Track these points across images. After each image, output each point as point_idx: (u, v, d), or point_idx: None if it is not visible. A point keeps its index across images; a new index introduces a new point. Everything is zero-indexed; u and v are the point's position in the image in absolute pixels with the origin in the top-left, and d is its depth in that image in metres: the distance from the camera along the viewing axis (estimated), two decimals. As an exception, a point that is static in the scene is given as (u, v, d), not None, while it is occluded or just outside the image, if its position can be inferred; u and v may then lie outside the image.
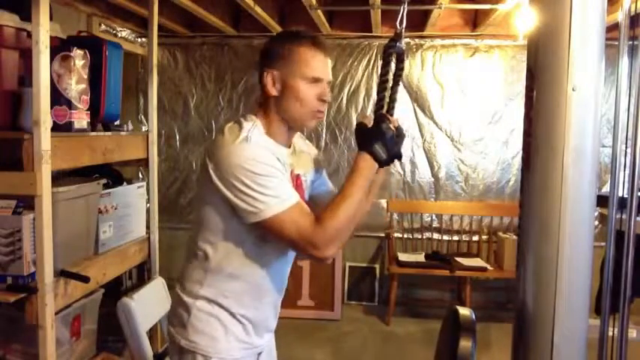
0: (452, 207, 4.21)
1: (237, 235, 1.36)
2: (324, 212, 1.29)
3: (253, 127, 1.35)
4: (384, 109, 1.42)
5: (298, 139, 1.55)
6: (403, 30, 1.40)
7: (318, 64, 1.37)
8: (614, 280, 1.33)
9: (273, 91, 1.37)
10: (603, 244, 1.33)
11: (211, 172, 1.30)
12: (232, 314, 1.40)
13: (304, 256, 1.30)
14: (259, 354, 1.50)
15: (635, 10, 1.05)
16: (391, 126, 1.36)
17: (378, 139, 1.34)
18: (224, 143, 1.31)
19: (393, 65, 1.45)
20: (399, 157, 1.39)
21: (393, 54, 1.42)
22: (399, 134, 1.39)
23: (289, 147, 1.46)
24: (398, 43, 1.41)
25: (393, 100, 1.46)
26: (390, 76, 1.43)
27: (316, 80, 1.37)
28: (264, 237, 1.36)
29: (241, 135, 1.31)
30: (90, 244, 2.23)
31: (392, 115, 1.44)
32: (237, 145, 1.29)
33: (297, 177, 1.46)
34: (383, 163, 1.36)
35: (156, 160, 2.71)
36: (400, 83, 1.52)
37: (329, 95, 1.41)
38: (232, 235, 1.36)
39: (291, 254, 1.50)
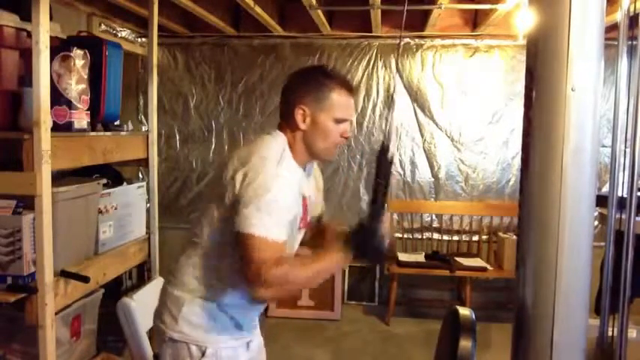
0: (452, 207, 4.20)
1: (234, 240, 1.39)
2: (284, 267, 1.36)
3: (285, 150, 1.47)
4: (380, 210, 1.47)
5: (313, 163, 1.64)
6: (391, 141, 1.51)
7: (347, 107, 1.51)
8: (614, 280, 1.33)
9: (303, 126, 1.49)
10: (603, 244, 1.33)
11: (238, 181, 1.37)
12: (223, 310, 1.47)
13: (245, 283, 1.35)
14: (248, 342, 1.58)
15: (634, 10, 1.05)
16: (383, 234, 1.44)
17: (370, 252, 1.44)
18: (262, 167, 1.39)
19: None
20: (380, 262, 1.47)
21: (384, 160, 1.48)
22: (384, 238, 1.47)
23: (304, 169, 1.56)
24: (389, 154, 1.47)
25: (385, 198, 1.51)
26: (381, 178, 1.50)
27: (343, 121, 1.50)
28: None
29: (275, 158, 1.42)
30: (90, 244, 2.24)
31: (384, 210, 1.50)
32: (273, 176, 1.37)
33: (305, 199, 1.53)
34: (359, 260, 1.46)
35: (156, 160, 2.71)
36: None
37: (351, 132, 1.56)
38: (229, 239, 1.40)
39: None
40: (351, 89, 1.52)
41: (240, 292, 1.46)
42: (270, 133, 1.52)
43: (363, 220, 1.45)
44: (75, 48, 2.02)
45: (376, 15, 3.51)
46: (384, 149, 1.46)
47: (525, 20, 2.85)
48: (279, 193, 1.36)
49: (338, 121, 1.49)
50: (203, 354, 1.45)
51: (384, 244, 1.45)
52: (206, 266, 1.47)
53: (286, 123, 1.52)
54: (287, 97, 1.53)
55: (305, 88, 1.50)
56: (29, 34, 1.82)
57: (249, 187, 1.35)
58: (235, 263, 1.39)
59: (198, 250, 1.48)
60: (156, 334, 1.57)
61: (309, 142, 1.50)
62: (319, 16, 3.49)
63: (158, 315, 1.54)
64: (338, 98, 1.49)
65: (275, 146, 1.47)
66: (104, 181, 2.30)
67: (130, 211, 2.51)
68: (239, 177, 1.38)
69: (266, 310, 3.99)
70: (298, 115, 1.48)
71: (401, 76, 4.18)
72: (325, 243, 1.58)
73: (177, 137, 4.36)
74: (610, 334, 1.31)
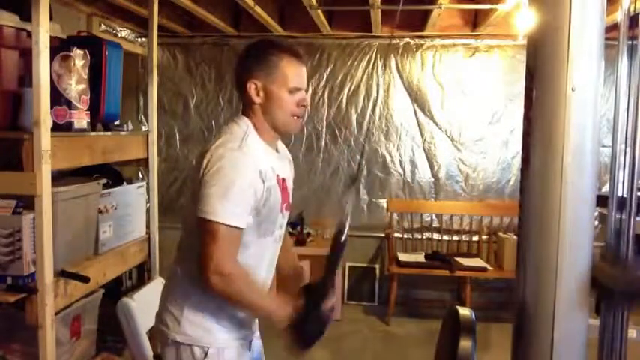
0: (452, 207, 4.20)
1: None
2: (246, 273, 1.41)
3: (248, 132, 1.46)
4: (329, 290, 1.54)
5: (280, 144, 1.64)
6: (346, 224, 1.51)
7: (298, 75, 1.49)
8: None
9: (257, 99, 1.48)
10: (603, 244, 1.33)
11: (202, 169, 1.38)
12: (222, 307, 1.46)
13: (200, 271, 1.35)
14: (250, 343, 1.58)
15: (635, 10, 1.05)
16: (326, 315, 1.50)
17: (312, 326, 1.46)
18: (223, 153, 1.39)
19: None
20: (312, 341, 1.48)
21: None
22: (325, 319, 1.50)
23: (277, 151, 1.57)
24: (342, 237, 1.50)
25: (333, 278, 1.60)
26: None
27: (297, 89, 1.49)
28: (248, 242, 1.44)
29: (237, 142, 1.41)
30: (90, 244, 2.24)
31: (333, 290, 1.58)
32: (231, 153, 1.39)
33: (283, 181, 1.53)
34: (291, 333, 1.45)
35: (156, 160, 2.71)
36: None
37: (308, 100, 1.54)
38: None
39: (276, 254, 1.60)
40: (299, 57, 1.51)
41: None
42: (233, 119, 1.52)
43: (315, 292, 1.50)
44: (75, 48, 2.02)
45: (376, 15, 3.51)
46: (339, 232, 1.48)
47: (525, 20, 2.86)
48: (240, 176, 1.36)
49: (291, 91, 1.48)
50: (206, 354, 1.45)
51: (323, 325, 1.49)
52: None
53: (244, 103, 1.52)
54: (238, 74, 1.52)
55: (254, 61, 1.49)
56: (29, 34, 1.82)
57: (210, 173, 1.36)
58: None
59: (192, 249, 1.46)
60: (158, 336, 1.56)
61: (268, 116, 1.49)
62: (319, 16, 3.50)
63: (160, 317, 1.53)
64: (288, 67, 1.47)
65: (236, 129, 1.46)
66: (104, 181, 2.30)
67: (130, 211, 2.51)
68: (203, 165, 1.38)
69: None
70: (251, 89, 1.47)
71: (401, 76, 4.19)
72: (289, 290, 1.60)
73: (177, 137, 4.37)
74: (610, 334, 1.31)
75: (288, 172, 1.61)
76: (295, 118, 1.51)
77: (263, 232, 1.48)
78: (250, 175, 1.39)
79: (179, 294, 1.49)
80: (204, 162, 1.38)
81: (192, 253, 1.44)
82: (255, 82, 1.47)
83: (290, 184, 1.60)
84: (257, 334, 1.65)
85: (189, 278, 1.47)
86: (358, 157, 4.21)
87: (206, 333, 1.46)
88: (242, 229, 1.38)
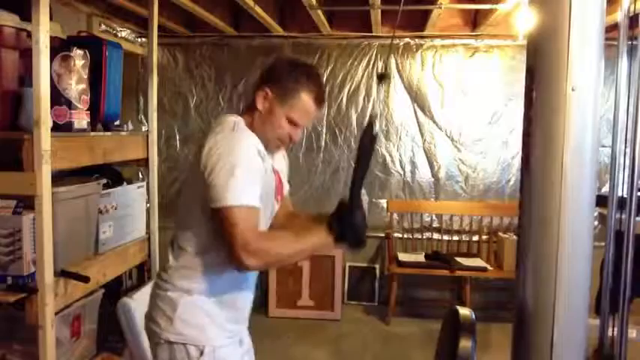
0: (452, 207, 4.20)
1: (217, 232, 1.39)
2: (271, 234, 1.41)
3: (238, 122, 1.46)
4: (359, 190, 1.49)
5: None
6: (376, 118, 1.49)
7: (306, 114, 1.49)
8: (614, 280, 1.33)
9: (260, 107, 1.49)
10: (603, 244, 1.33)
11: (202, 160, 1.37)
12: (216, 305, 1.48)
13: (231, 257, 1.34)
14: (241, 340, 1.60)
15: (634, 10, 1.05)
16: (363, 213, 1.47)
17: (353, 229, 1.45)
18: (221, 139, 1.39)
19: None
20: (361, 246, 1.49)
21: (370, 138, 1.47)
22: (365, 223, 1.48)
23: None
24: (374, 130, 1.46)
25: (363, 181, 1.52)
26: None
27: (296, 124, 1.49)
28: None
29: (228, 128, 1.42)
30: (90, 244, 2.24)
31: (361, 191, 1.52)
32: (225, 138, 1.39)
33: (277, 173, 1.55)
34: (342, 245, 1.46)
35: (156, 160, 2.71)
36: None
37: (298, 137, 1.53)
38: (213, 232, 1.41)
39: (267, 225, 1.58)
40: (321, 101, 1.51)
41: (230, 279, 1.47)
42: (221, 115, 1.53)
43: (343, 200, 1.46)
44: (75, 48, 2.02)
45: (376, 15, 3.51)
46: (369, 128, 1.43)
47: (525, 20, 2.86)
48: (240, 157, 1.35)
49: (292, 122, 1.48)
50: (201, 353, 1.44)
51: (364, 224, 1.46)
52: (195, 263, 1.46)
53: (248, 104, 1.52)
54: (262, 75, 1.52)
55: (282, 75, 1.49)
56: (29, 34, 1.82)
57: (211, 163, 1.35)
58: (221, 250, 1.38)
59: (186, 249, 1.48)
60: (148, 336, 1.55)
61: (260, 126, 1.48)
62: (319, 16, 3.49)
63: (150, 317, 1.53)
64: (303, 101, 1.47)
65: (227, 118, 1.47)
66: (104, 181, 2.29)
67: (130, 211, 2.51)
68: (203, 157, 1.38)
69: (266, 310, 3.99)
70: (260, 95, 1.48)
71: (401, 76, 4.18)
72: (303, 224, 1.59)
73: (177, 137, 4.36)
74: (610, 334, 1.31)
75: (282, 165, 1.62)
76: (280, 145, 1.52)
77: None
78: (250, 153, 1.39)
79: (171, 292, 1.48)
80: (203, 155, 1.38)
81: (186, 249, 1.47)
82: (268, 92, 1.47)
83: (284, 179, 1.60)
84: (247, 332, 1.66)
85: (182, 276, 1.47)
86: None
87: (201, 331, 1.46)
88: (256, 206, 1.36)
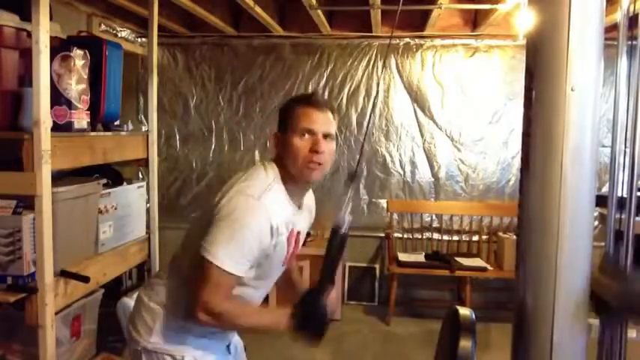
0: (452, 207, 4.20)
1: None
2: (235, 303, 1.43)
3: (273, 183, 1.43)
4: (328, 286, 1.50)
5: (308, 194, 1.62)
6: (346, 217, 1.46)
7: (308, 117, 1.44)
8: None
9: (276, 149, 1.49)
10: (603, 244, 1.33)
11: (217, 207, 1.37)
12: (197, 325, 1.43)
13: (192, 304, 1.37)
14: (228, 345, 1.59)
15: (634, 10, 1.05)
16: (326, 309, 1.48)
17: (313, 323, 1.45)
18: (241, 198, 1.38)
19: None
20: (318, 340, 1.48)
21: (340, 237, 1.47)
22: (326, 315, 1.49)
23: (299, 207, 1.53)
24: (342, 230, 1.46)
25: (334, 275, 1.55)
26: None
27: (307, 132, 1.43)
28: (244, 281, 1.44)
29: (258, 191, 1.39)
30: (90, 244, 2.24)
31: (332, 286, 1.53)
32: (248, 201, 1.37)
33: (298, 234, 1.53)
34: (299, 334, 1.46)
35: (156, 160, 2.71)
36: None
37: (323, 146, 1.44)
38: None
39: (270, 285, 1.61)
40: (316, 104, 1.47)
41: None
42: (263, 163, 1.51)
43: (311, 292, 1.48)
44: (75, 48, 2.02)
45: (376, 15, 3.51)
46: (337, 228, 1.44)
47: (525, 20, 2.86)
48: (250, 226, 1.35)
49: (302, 133, 1.42)
50: None
51: (326, 319, 1.48)
52: (183, 291, 1.45)
53: (273, 157, 1.52)
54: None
55: (280, 115, 1.51)
56: (29, 34, 1.82)
57: (223, 214, 1.35)
58: None
59: (179, 274, 1.49)
60: (128, 340, 1.54)
61: (286, 167, 1.46)
62: (319, 16, 3.49)
63: (132, 322, 1.52)
64: (298, 111, 1.45)
65: (263, 177, 1.44)
66: (104, 181, 2.30)
67: (130, 211, 2.51)
68: (219, 203, 1.38)
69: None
70: (270, 141, 1.51)
71: (401, 76, 4.19)
72: (286, 297, 1.63)
73: (177, 137, 4.36)
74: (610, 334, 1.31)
75: (305, 224, 1.60)
76: (309, 165, 1.43)
77: (258, 276, 1.48)
78: (261, 227, 1.37)
79: (154, 304, 1.48)
80: (223, 201, 1.38)
81: (180, 269, 1.48)
82: (276, 133, 1.50)
83: (303, 235, 1.60)
84: (237, 336, 1.67)
85: (170, 294, 1.48)
86: (358, 156, 4.21)
87: (180, 345, 1.46)
88: (237, 275, 1.37)
